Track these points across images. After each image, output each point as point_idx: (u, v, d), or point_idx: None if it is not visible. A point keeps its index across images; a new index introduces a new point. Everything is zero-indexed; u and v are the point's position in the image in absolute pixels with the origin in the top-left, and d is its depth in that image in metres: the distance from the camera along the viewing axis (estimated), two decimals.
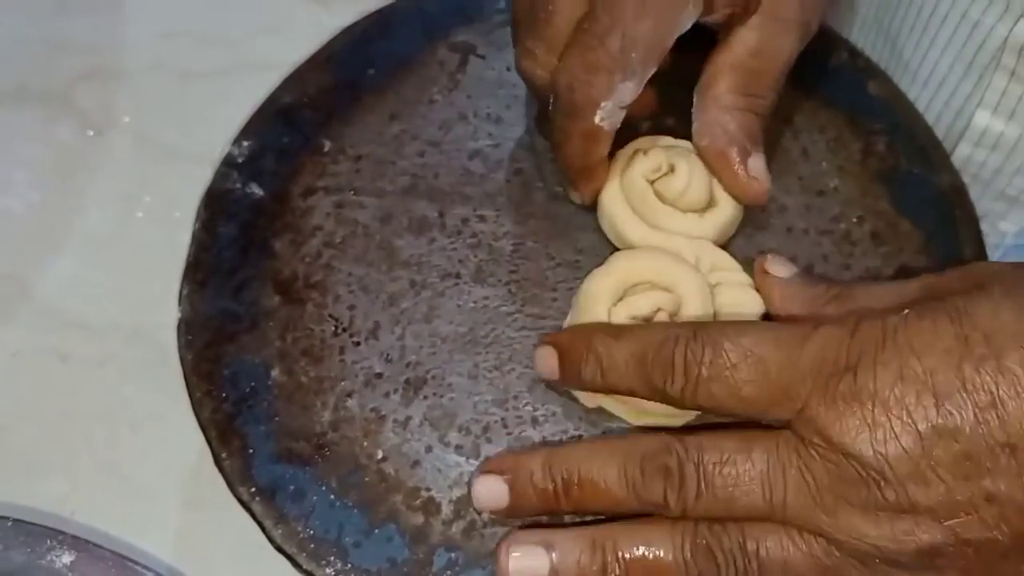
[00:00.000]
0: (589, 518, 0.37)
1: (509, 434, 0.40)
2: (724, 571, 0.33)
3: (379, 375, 0.41)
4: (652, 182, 0.41)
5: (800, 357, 0.33)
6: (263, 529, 0.38)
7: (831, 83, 0.47)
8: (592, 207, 0.43)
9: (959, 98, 0.49)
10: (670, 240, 0.41)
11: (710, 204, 0.42)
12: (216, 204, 0.45)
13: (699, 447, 0.34)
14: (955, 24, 0.48)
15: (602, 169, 0.41)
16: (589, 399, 0.40)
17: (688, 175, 0.41)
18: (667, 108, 0.45)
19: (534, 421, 0.40)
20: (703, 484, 0.34)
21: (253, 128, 0.47)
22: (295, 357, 0.41)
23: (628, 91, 0.38)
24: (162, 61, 0.51)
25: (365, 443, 0.40)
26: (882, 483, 0.31)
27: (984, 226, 0.45)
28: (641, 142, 0.43)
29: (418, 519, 0.38)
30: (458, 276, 0.43)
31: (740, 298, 0.40)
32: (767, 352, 0.33)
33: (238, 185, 0.45)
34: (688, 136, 0.42)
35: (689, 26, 0.38)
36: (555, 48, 0.39)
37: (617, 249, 0.42)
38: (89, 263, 0.46)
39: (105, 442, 0.42)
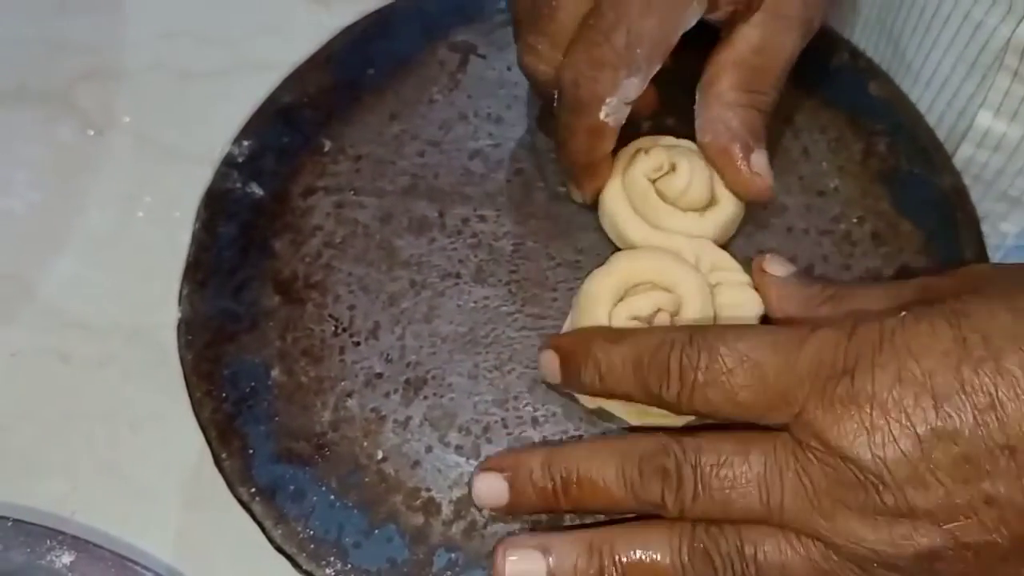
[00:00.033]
0: (589, 520, 0.37)
1: (509, 434, 0.40)
2: (721, 574, 0.33)
3: (379, 375, 0.41)
4: (654, 181, 0.41)
5: (797, 361, 0.33)
6: (263, 529, 0.38)
7: (832, 83, 0.47)
8: (593, 207, 0.43)
9: (962, 99, 0.49)
10: (671, 240, 0.41)
11: (711, 203, 0.42)
12: (216, 204, 0.45)
13: (697, 449, 0.34)
14: (958, 25, 0.48)
15: (605, 166, 0.41)
16: (589, 400, 0.40)
17: (689, 174, 0.41)
18: (668, 108, 0.45)
19: (534, 421, 0.40)
20: (700, 486, 0.34)
21: (253, 128, 0.47)
22: (295, 357, 0.41)
23: (633, 87, 0.38)
24: (162, 61, 0.51)
25: (365, 443, 0.40)
26: (880, 487, 0.31)
27: (985, 227, 0.45)
28: (643, 141, 0.43)
29: (418, 519, 0.38)
30: (458, 276, 0.43)
31: (740, 298, 0.40)
32: (763, 356, 0.33)
33: (238, 185, 0.45)
34: (689, 136, 0.42)
35: (694, 23, 0.38)
36: (558, 44, 0.39)
37: (618, 249, 0.42)
38: (90, 263, 0.46)
39: (105, 442, 0.42)
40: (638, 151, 0.42)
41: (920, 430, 0.31)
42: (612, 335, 0.37)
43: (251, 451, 0.39)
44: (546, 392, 0.40)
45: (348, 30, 0.49)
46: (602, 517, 0.37)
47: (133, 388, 0.43)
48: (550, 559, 0.35)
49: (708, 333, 0.34)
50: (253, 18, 0.53)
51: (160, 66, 0.51)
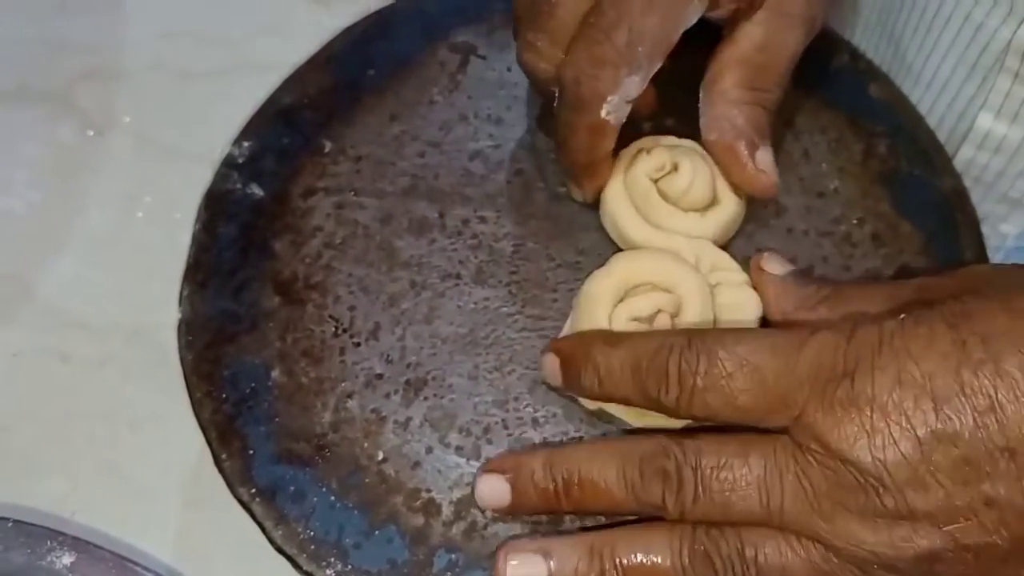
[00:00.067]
0: (589, 522, 0.38)
1: (510, 435, 0.40)
2: None
3: (379, 376, 0.41)
4: (656, 181, 0.41)
5: (796, 364, 0.33)
6: (263, 530, 0.38)
7: (832, 85, 0.47)
8: (594, 206, 0.43)
9: (962, 100, 0.49)
10: (671, 240, 0.41)
11: (712, 203, 0.42)
12: (216, 205, 0.45)
13: (697, 451, 0.34)
14: (958, 26, 0.48)
15: (606, 165, 0.41)
16: (589, 401, 0.40)
17: (692, 173, 0.41)
18: (669, 108, 0.45)
19: (534, 422, 0.40)
20: (700, 488, 0.34)
21: (253, 129, 0.47)
22: (295, 358, 0.41)
23: (634, 85, 0.38)
24: (162, 61, 0.51)
25: (365, 444, 0.40)
26: (880, 489, 0.31)
27: (985, 228, 0.45)
28: (644, 142, 0.43)
29: (418, 520, 0.38)
30: (458, 277, 0.43)
31: (740, 298, 0.40)
32: (762, 360, 0.33)
33: (238, 186, 0.45)
34: (690, 135, 0.42)
35: (695, 21, 0.38)
36: (558, 41, 0.39)
37: (618, 249, 0.42)
38: (90, 263, 0.46)
39: (105, 442, 0.42)
40: (640, 151, 0.42)
41: (920, 432, 0.31)
42: (611, 338, 0.37)
43: (251, 452, 0.39)
44: (546, 393, 0.40)
45: (348, 31, 0.49)
46: (603, 520, 0.37)
47: (133, 388, 0.43)
48: (551, 563, 0.35)
49: (707, 337, 0.34)
50: (253, 18, 0.53)
51: (160, 66, 0.51)
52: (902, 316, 0.33)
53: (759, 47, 0.40)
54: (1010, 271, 0.35)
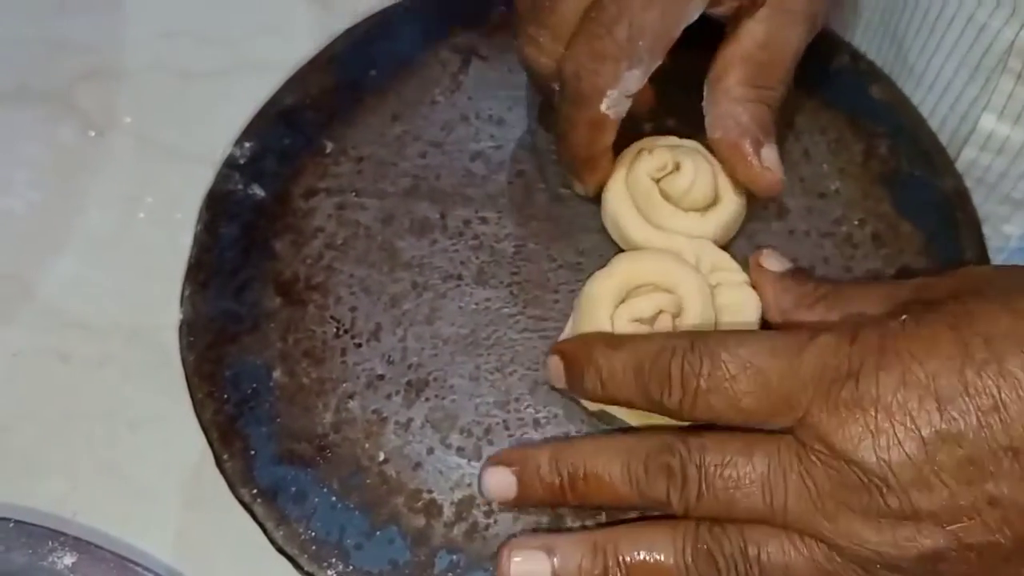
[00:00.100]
0: (590, 523, 0.38)
1: (511, 436, 0.40)
2: (725, 575, 0.33)
3: (381, 377, 0.41)
4: (657, 181, 0.41)
5: (800, 365, 0.33)
6: (265, 531, 0.38)
7: (833, 86, 0.47)
8: (596, 203, 0.43)
9: (965, 101, 0.49)
10: (671, 240, 0.41)
11: (713, 203, 0.42)
12: (218, 205, 0.45)
13: (701, 448, 0.34)
14: (961, 27, 0.48)
15: (607, 159, 0.41)
16: (591, 402, 0.39)
17: (693, 172, 0.41)
18: (670, 108, 0.45)
19: (536, 423, 0.40)
20: (704, 485, 0.34)
21: (255, 129, 0.47)
22: (297, 358, 0.41)
23: (634, 80, 0.38)
24: (162, 61, 0.51)
25: (367, 445, 0.40)
26: (885, 490, 0.31)
27: (987, 229, 0.45)
28: (646, 142, 0.43)
29: (420, 521, 0.38)
30: (460, 278, 0.43)
31: (740, 298, 0.40)
32: (766, 362, 0.33)
33: (240, 186, 0.45)
34: (691, 135, 0.42)
35: (696, 17, 0.38)
36: (559, 36, 0.39)
37: (620, 249, 0.42)
38: (90, 264, 0.46)
39: (106, 443, 0.42)
40: (641, 151, 0.42)
41: (925, 432, 0.31)
42: (613, 341, 0.37)
43: (253, 452, 0.39)
44: (548, 394, 0.40)
45: (350, 31, 0.49)
46: (605, 520, 0.38)
47: (133, 388, 0.43)
48: (555, 559, 0.35)
49: (709, 339, 0.35)
50: (253, 18, 0.53)
51: (160, 66, 0.51)
52: (904, 317, 0.33)
53: (762, 44, 0.40)
54: (1010, 272, 0.35)
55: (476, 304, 0.42)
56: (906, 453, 0.31)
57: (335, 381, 0.41)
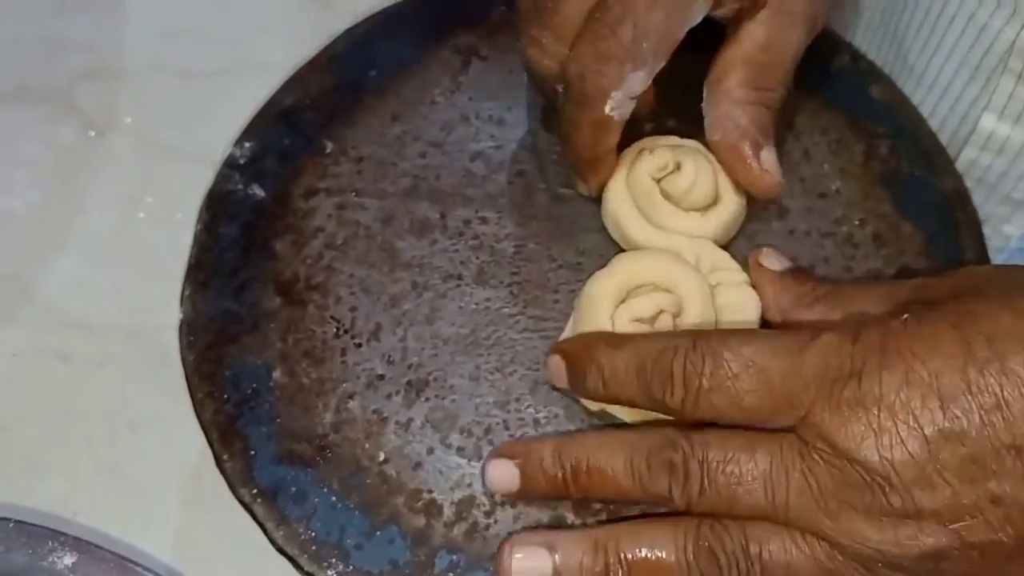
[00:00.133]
0: (591, 523, 0.38)
1: (511, 436, 0.40)
2: (726, 573, 0.33)
3: (381, 377, 0.41)
4: (658, 181, 0.41)
5: (802, 364, 0.33)
6: (265, 531, 0.38)
7: (833, 86, 0.47)
8: (596, 203, 0.43)
9: (965, 102, 0.49)
10: (672, 240, 0.41)
11: (713, 203, 0.42)
12: (218, 205, 0.45)
13: (704, 444, 0.34)
14: (962, 27, 0.48)
15: (610, 160, 0.41)
16: (591, 402, 0.39)
17: (694, 172, 0.41)
18: (670, 109, 0.45)
19: (536, 423, 0.40)
20: (706, 481, 0.34)
21: (255, 129, 0.47)
22: (297, 358, 0.41)
23: (638, 81, 0.38)
24: (162, 61, 0.51)
25: (367, 445, 0.40)
26: (887, 488, 0.31)
27: (988, 229, 0.45)
28: (646, 142, 0.43)
29: (420, 521, 0.38)
30: (460, 278, 0.43)
31: (740, 298, 0.40)
32: (768, 361, 0.33)
33: (240, 186, 0.45)
34: (692, 136, 0.42)
35: (699, 19, 0.38)
36: (563, 37, 0.39)
37: (620, 249, 0.42)
38: (90, 263, 0.46)
39: (106, 443, 0.42)
40: (642, 151, 0.42)
41: (927, 431, 0.31)
42: (614, 340, 0.37)
43: (253, 452, 0.39)
44: (548, 394, 0.40)
45: (350, 31, 0.49)
46: (605, 518, 0.38)
47: (133, 388, 0.43)
48: (556, 556, 0.35)
49: (711, 338, 0.34)
50: (253, 18, 0.53)
51: (160, 66, 0.51)
52: (905, 317, 0.33)
53: (762, 46, 0.40)
54: (1009, 272, 0.35)
55: (476, 304, 0.42)
56: (909, 452, 0.31)
57: (335, 381, 0.41)
